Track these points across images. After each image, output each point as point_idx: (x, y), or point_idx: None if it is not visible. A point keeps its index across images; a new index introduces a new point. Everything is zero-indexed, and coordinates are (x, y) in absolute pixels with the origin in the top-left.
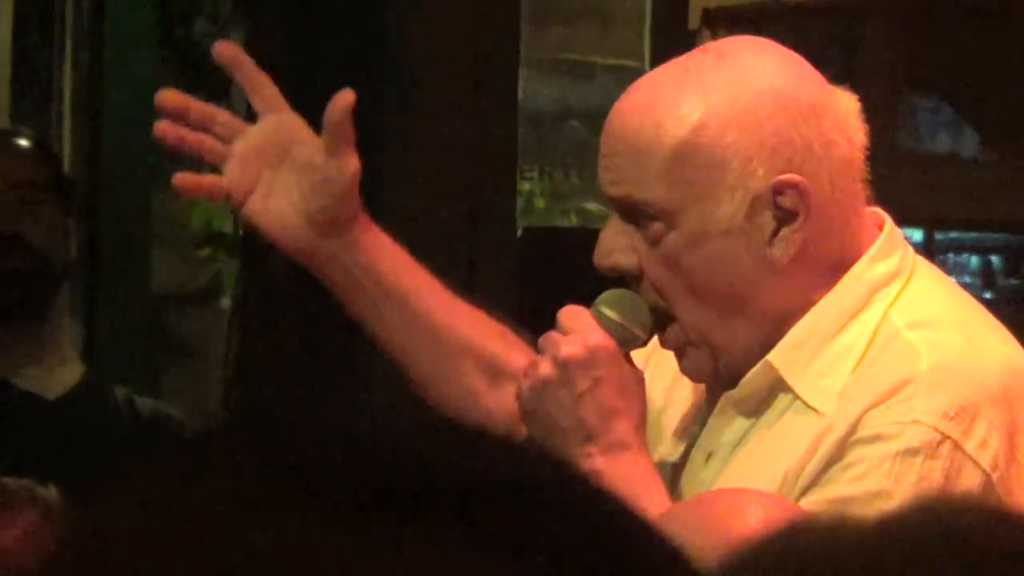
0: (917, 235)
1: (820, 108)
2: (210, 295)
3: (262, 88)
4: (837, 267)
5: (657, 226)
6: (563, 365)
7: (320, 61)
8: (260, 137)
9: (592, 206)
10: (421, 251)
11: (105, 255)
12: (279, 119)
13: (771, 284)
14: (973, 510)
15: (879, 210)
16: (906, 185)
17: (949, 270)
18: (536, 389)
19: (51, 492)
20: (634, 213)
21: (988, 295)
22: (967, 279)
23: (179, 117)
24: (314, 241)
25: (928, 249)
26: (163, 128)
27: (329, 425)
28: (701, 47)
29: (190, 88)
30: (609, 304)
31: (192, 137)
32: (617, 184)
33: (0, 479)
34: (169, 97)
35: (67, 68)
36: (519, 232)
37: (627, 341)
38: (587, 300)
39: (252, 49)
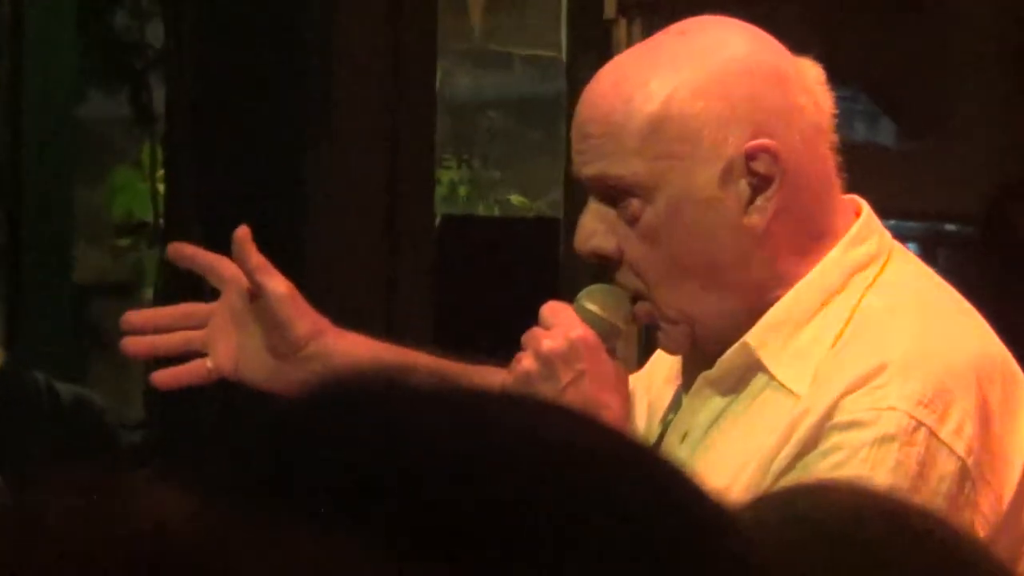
0: None
1: (785, 74)
2: (131, 285)
3: (218, 267)
4: (813, 240)
5: (635, 203)
6: (546, 359)
7: (239, 54)
8: (226, 309)
9: (514, 197)
10: (343, 238)
11: (27, 245)
12: (237, 286)
13: (749, 253)
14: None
15: (856, 197)
16: None
17: None
18: (520, 383)
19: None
20: (611, 193)
21: None
22: None
23: (149, 330)
24: (294, 367)
25: None
26: (133, 346)
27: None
28: (661, 30)
29: (110, 81)
30: (590, 298)
31: (162, 343)
32: (592, 164)
33: None
34: (134, 318)
35: None
36: (438, 219)
37: (608, 334)
38: (502, 284)
39: (172, 42)
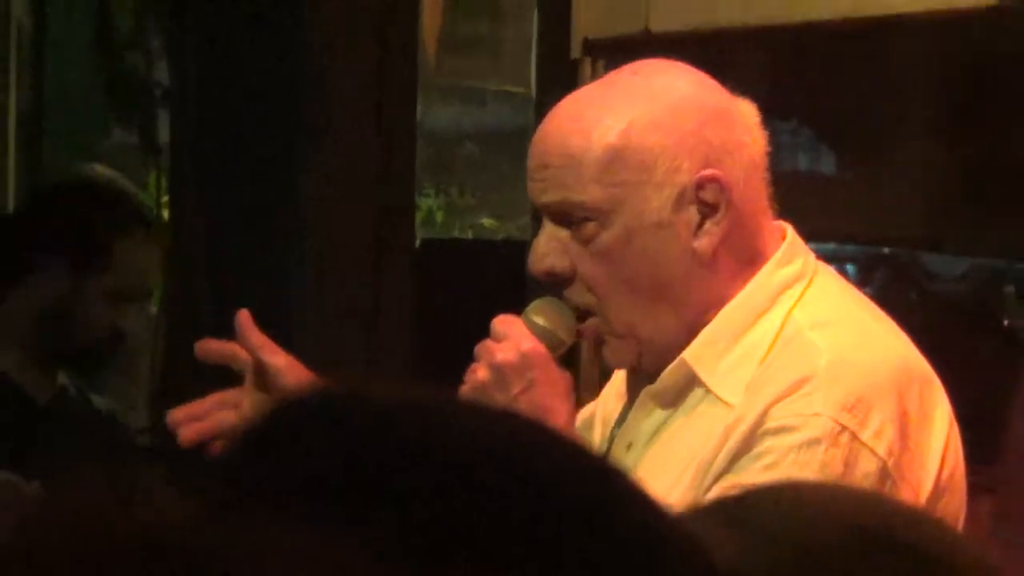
0: None
1: (728, 113)
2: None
3: (235, 354)
4: (750, 263)
5: (591, 226)
6: (498, 369)
7: (237, 92)
8: (251, 390)
9: (486, 221)
10: (327, 258)
11: None
12: (253, 367)
13: (696, 275)
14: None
15: (782, 222)
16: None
17: None
18: (475, 391)
19: (34, 488)
20: (568, 217)
21: None
22: None
23: (190, 421)
24: None
25: None
26: (184, 437)
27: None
28: (614, 71)
29: (121, 114)
30: (538, 312)
31: (205, 426)
32: (552, 191)
33: None
34: (178, 416)
35: (11, 102)
36: (418, 242)
37: (555, 346)
38: (477, 303)
39: (177, 82)
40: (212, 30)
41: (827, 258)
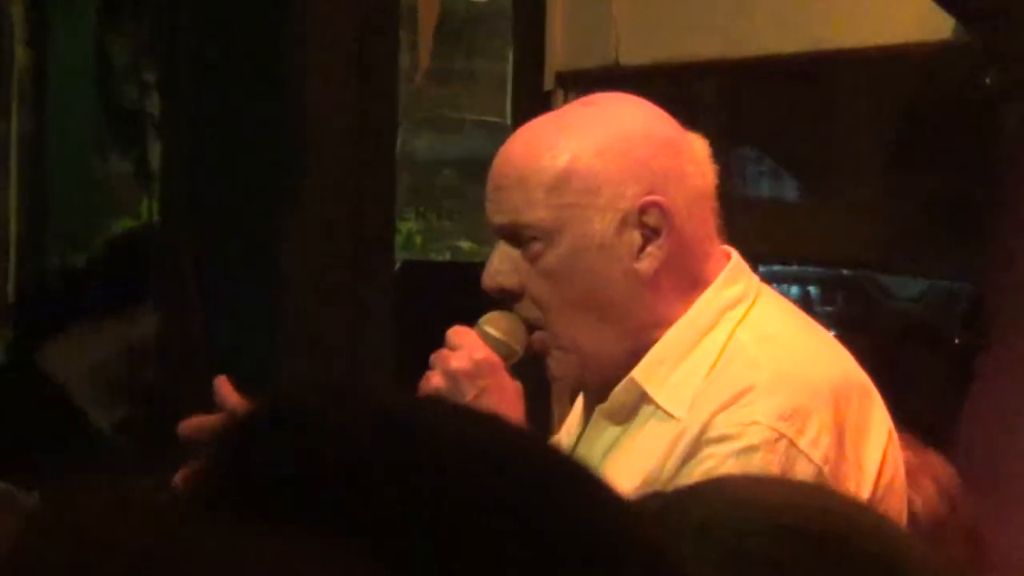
0: None
1: (675, 144)
2: None
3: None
4: (693, 287)
5: (538, 245)
6: (452, 376)
7: (224, 123)
8: None
9: (464, 244)
10: (312, 279)
11: None
12: None
13: (637, 296)
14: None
15: (727, 247)
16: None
17: None
18: None
19: (32, 497)
20: (518, 237)
21: None
22: None
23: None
24: None
25: None
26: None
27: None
28: (570, 103)
29: (116, 143)
30: (491, 324)
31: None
32: (503, 213)
33: None
34: (184, 429)
35: (13, 129)
36: (398, 264)
37: (507, 355)
38: (456, 321)
39: (168, 113)
40: (201, 64)
41: (790, 279)
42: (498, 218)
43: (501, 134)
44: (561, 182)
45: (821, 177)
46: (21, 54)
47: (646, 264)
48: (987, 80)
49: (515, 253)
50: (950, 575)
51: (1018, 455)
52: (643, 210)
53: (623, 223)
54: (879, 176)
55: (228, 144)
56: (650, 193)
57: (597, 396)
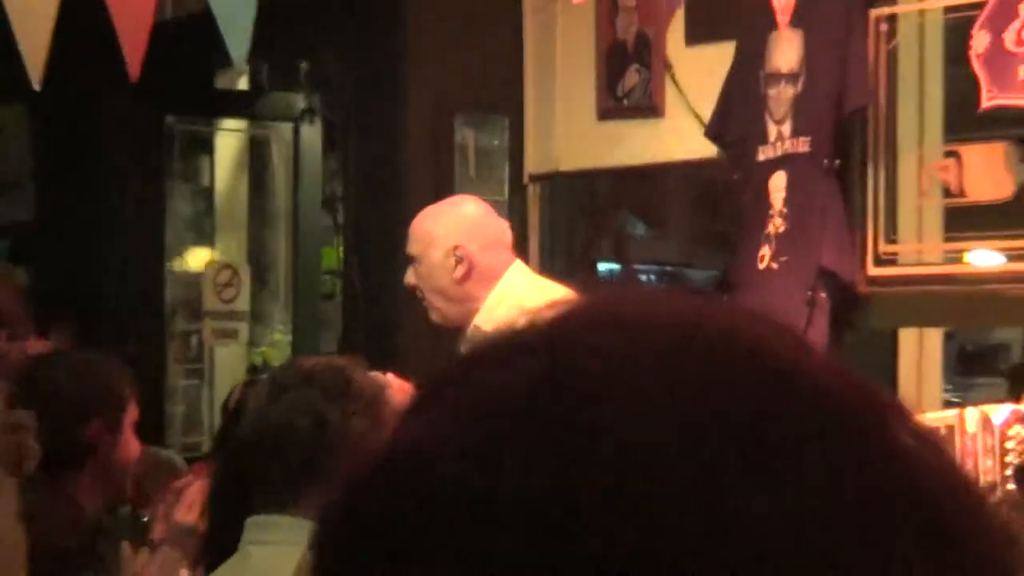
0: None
1: (478, 218)
2: None
3: None
4: (492, 279)
5: (416, 263)
6: None
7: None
8: None
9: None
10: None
11: None
12: None
13: (459, 288)
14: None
15: (517, 258)
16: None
17: None
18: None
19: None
20: (411, 259)
21: None
22: None
23: None
24: None
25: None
26: None
27: None
28: (448, 198)
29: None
30: None
31: None
32: (409, 248)
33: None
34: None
35: None
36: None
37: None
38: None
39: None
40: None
41: (643, 273)
42: (408, 250)
43: (500, 208)
44: (420, 235)
45: (655, 221)
46: None
47: (459, 273)
48: (734, 176)
49: (412, 267)
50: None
51: None
52: (455, 248)
53: (446, 255)
54: (688, 227)
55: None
56: (461, 240)
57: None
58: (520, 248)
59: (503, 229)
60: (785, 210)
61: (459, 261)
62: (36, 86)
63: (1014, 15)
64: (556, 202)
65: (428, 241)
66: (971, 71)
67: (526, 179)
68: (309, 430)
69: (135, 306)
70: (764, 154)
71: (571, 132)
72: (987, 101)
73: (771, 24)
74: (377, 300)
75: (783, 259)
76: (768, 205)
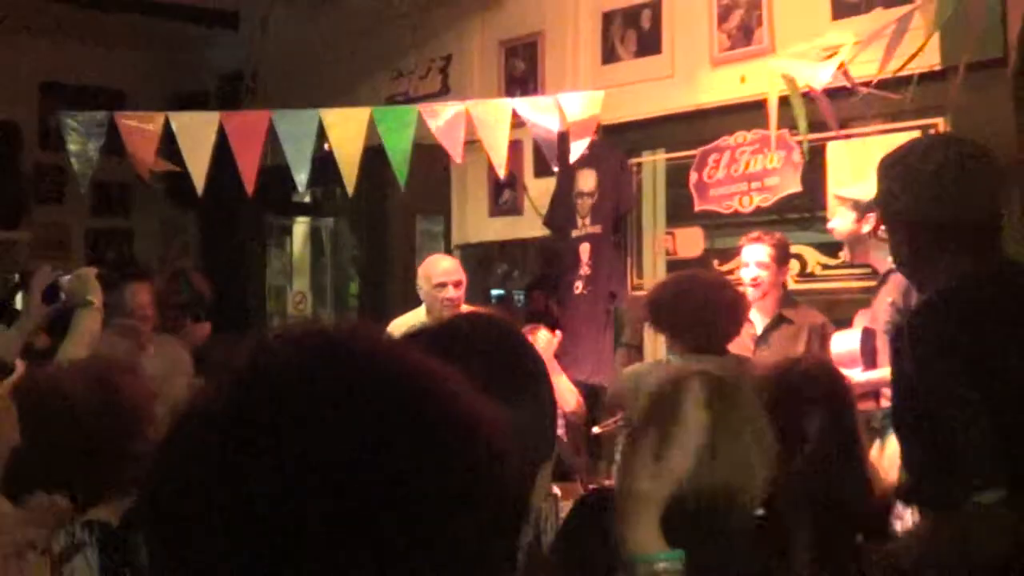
0: None
1: (434, 264)
2: None
3: None
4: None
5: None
6: None
7: None
8: None
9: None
10: None
11: None
12: None
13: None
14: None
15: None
16: None
17: None
18: None
19: None
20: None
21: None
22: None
23: None
24: None
25: None
26: None
27: None
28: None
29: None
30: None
31: None
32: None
33: None
34: None
35: None
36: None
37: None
38: None
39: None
40: None
41: (514, 294)
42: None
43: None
44: (422, 273)
45: (519, 268)
46: None
47: (442, 298)
48: (560, 245)
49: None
50: None
51: None
52: (436, 284)
53: (432, 287)
54: (537, 267)
55: None
56: (438, 280)
57: None
58: None
59: (459, 271)
60: (589, 262)
61: (440, 287)
62: (200, 194)
63: (707, 164)
64: (468, 259)
65: (425, 276)
66: (685, 191)
67: (453, 247)
68: None
69: (254, 312)
70: (576, 233)
71: (475, 222)
72: (698, 207)
73: (577, 165)
74: (377, 308)
75: (589, 288)
76: (579, 260)
